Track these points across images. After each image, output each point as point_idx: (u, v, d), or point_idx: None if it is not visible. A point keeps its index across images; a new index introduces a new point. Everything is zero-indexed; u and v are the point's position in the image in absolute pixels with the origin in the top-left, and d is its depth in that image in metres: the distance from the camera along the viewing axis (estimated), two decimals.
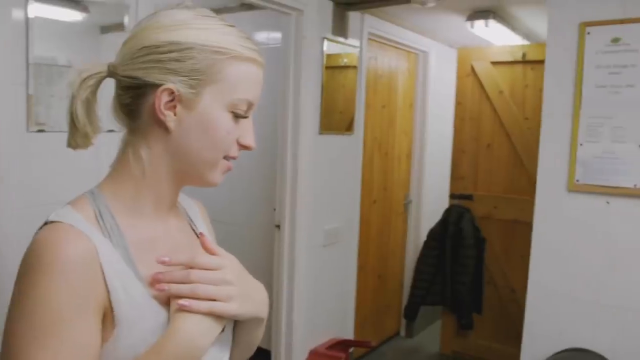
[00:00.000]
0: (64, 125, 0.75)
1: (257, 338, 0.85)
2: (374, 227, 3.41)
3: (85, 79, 0.71)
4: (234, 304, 0.70)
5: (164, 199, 0.77)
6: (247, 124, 0.76)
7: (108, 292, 0.67)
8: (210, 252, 0.72)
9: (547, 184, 2.31)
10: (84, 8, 1.74)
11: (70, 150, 0.75)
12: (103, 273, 0.66)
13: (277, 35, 2.95)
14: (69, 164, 1.50)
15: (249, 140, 0.77)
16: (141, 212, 0.74)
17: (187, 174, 0.76)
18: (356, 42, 2.89)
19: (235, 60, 0.72)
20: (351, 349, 3.06)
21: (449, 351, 3.54)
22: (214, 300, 0.69)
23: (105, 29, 1.82)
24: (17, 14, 1.50)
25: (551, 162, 2.29)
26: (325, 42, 2.68)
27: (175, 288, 0.68)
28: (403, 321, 3.77)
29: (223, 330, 0.73)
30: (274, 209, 2.70)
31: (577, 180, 2.23)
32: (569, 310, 2.27)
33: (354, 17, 2.87)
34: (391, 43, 3.32)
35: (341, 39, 2.79)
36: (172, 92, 0.70)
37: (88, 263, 0.65)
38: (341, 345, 2.95)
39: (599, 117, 2.17)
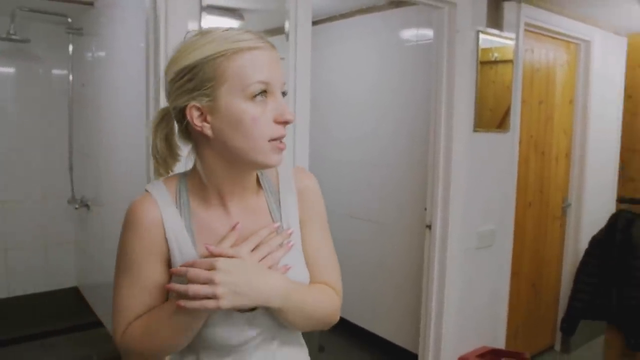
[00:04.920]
0: None
1: (293, 323, 0.91)
2: (528, 231, 3.18)
3: (156, 124, 0.91)
4: (222, 301, 0.79)
5: (227, 188, 0.91)
6: (277, 103, 0.84)
7: (168, 250, 0.89)
8: (213, 254, 0.84)
9: None
10: (239, 16, 1.92)
11: None
12: (165, 236, 0.89)
13: (426, 32, 2.89)
14: None
15: (286, 115, 0.84)
16: (206, 200, 0.92)
17: (241, 163, 0.87)
18: (512, 34, 2.72)
19: (235, 54, 0.81)
20: None
21: None
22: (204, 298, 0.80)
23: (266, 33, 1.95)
24: (192, 25, 1.71)
25: None
26: (480, 36, 2.56)
27: (175, 287, 0.82)
28: (559, 334, 3.47)
29: (253, 310, 0.87)
30: (425, 209, 2.63)
31: None
32: None
33: (509, 6, 2.71)
34: (549, 33, 3.08)
35: (496, 32, 2.65)
36: (198, 108, 0.83)
37: (155, 226, 0.88)
38: (492, 354, 2.79)
39: None
